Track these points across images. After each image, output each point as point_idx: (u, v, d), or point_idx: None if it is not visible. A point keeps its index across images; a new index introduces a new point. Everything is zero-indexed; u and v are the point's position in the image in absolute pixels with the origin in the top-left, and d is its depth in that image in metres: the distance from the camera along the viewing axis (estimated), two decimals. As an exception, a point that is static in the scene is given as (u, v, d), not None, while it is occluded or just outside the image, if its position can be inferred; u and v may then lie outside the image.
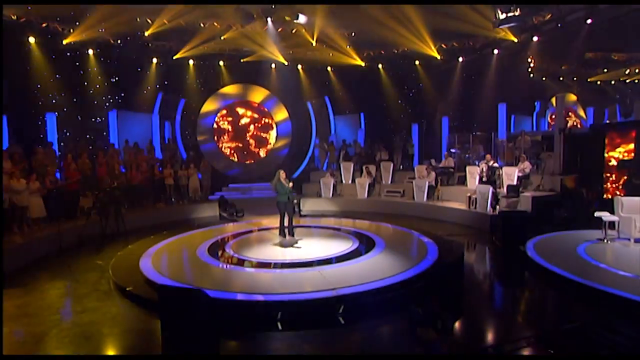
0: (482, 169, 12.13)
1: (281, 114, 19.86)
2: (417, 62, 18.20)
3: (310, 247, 8.80)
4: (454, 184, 14.34)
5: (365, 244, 8.89)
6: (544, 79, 21.67)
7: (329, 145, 18.18)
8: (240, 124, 19.38)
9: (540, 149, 13.75)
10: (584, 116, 24.27)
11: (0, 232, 8.10)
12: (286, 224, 9.61)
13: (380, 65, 18.94)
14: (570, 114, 23.94)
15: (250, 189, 17.80)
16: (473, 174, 13.29)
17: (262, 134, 19.67)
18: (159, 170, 13.97)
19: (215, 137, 18.99)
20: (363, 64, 18.03)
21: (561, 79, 22.46)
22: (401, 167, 17.08)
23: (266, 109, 19.75)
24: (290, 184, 9.64)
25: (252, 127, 19.54)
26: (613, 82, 22.95)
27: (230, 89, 19.19)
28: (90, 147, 14.38)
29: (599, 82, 22.94)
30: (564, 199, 11.74)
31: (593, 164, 13.12)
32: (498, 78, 16.27)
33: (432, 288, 6.45)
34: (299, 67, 19.21)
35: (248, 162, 19.45)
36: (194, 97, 18.51)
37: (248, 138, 19.51)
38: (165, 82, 17.82)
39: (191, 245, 9.19)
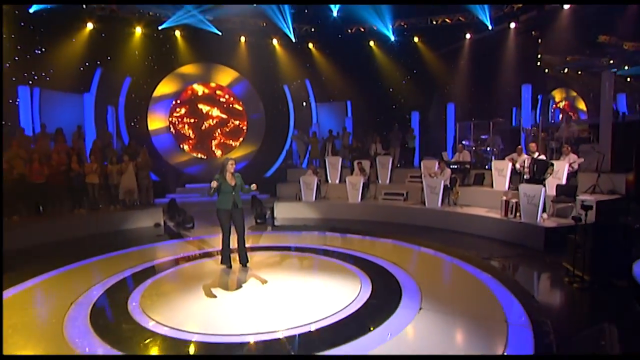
0: (524, 163, 8.58)
1: (253, 100, 15.87)
2: (416, 39, 14.62)
3: (281, 297, 4.92)
4: (470, 184, 10.75)
5: (384, 289, 5.07)
6: (546, 71, 18.79)
7: (311, 137, 14.32)
8: (203, 128, 15.30)
9: (581, 140, 10.33)
10: (584, 108, 21.71)
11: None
12: (233, 245, 5.93)
13: (372, 42, 15.23)
14: (565, 103, 21.40)
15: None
16: (502, 170, 9.71)
17: (230, 141, 15.65)
18: (80, 165, 9.69)
19: (172, 128, 14.81)
20: (352, 40, 14.35)
21: (561, 72, 19.88)
22: (399, 164, 13.44)
23: (234, 95, 15.70)
24: (254, 186, 5.87)
25: (217, 132, 15.51)
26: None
27: (190, 69, 15.10)
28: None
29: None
30: (632, 203, 8.31)
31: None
32: (516, 57, 12.90)
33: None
34: (275, 42, 15.27)
35: (212, 157, 15.34)
36: (144, 76, 14.31)
37: (213, 147, 15.48)
38: (108, 58, 13.58)
39: (67, 294, 5.05)
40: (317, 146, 14.25)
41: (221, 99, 15.62)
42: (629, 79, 19.55)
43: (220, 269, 5.94)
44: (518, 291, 5.01)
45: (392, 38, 14.67)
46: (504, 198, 8.50)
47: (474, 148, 12.23)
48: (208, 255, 6.88)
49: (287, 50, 15.47)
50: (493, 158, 11.29)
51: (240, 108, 15.78)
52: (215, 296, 4.93)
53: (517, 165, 8.63)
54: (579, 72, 20.03)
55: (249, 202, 12.70)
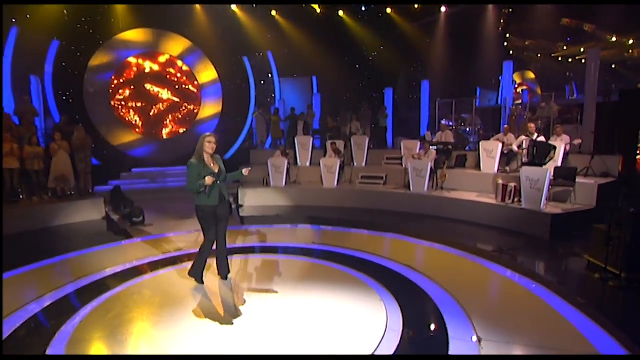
0: (522, 144, 7.73)
1: (208, 74, 13.93)
2: (388, 10, 13.38)
3: (280, 331, 3.56)
4: (453, 166, 9.89)
5: (415, 308, 3.86)
6: (511, 52, 18.52)
7: (273, 114, 12.76)
8: (152, 114, 13.15)
9: (566, 121, 9.76)
10: (539, 93, 21.87)
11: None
12: (212, 251, 4.43)
13: (341, 12, 13.80)
14: (525, 86, 21.45)
15: (163, 175, 11.88)
16: (491, 152, 8.88)
17: (183, 129, 13.63)
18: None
19: (113, 102, 12.59)
20: (319, 10, 12.82)
21: (525, 54, 19.76)
22: (371, 145, 12.31)
23: (189, 75, 13.65)
24: (246, 171, 4.46)
25: (169, 119, 13.44)
26: (570, 60, 20.81)
27: (134, 36, 12.81)
28: None
29: (560, 59, 20.60)
30: (625, 186, 7.80)
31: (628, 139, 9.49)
32: (491, 35, 12.13)
33: None
34: (233, 6, 13.36)
35: (161, 138, 13.33)
36: (77, 41, 11.89)
37: (164, 136, 13.40)
38: (27, 16, 11.03)
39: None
40: (280, 125, 12.77)
41: (173, 79, 13.48)
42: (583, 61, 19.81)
43: (190, 285, 4.42)
44: (578, 303, 4.00)
45: (363, 7, 13.34)
46: (500, 182, 7.65)
47: (453, 128, 11.38)
48: (170, 262, 5.27)
49: (247, 18, 13.64)
50: (473, 139, 10.51)
51: (195, 90, 13.76)
52: (190, 330, 3.45)
53: (514, 147, 7.79)
54: (539, 55, 19.98)
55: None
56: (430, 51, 13.49)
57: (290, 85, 14.90)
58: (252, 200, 9.71)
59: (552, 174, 7.64)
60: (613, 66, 18.93)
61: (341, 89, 14.51)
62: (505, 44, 17.26)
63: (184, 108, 13.68)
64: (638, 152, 9.22)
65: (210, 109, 14.00)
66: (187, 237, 6.53)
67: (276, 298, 4.13)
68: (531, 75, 21.57)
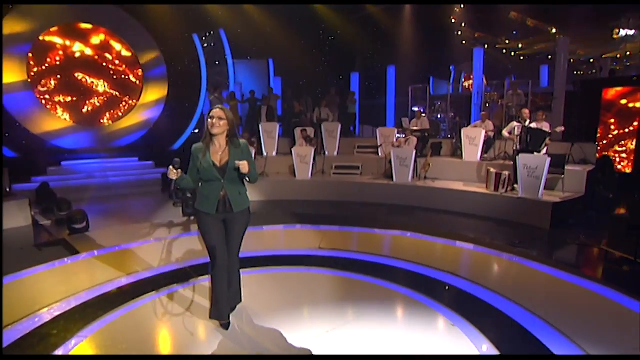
0: (514, 131, 7.31)
1: (150, 52, 12.06)
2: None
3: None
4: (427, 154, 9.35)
5: (512, 339, 2.95)
6: (463, 42, 18.72)
7: (230, 98, 11.36)
8: (86, 111, 10.99)
9: (539, 108, 9.64)
10: (485, 83, 22.56)
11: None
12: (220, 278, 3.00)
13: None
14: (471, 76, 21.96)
15: (103, 169, 9.98)
16: (474, 139, 8.44)
17: (118, 127, 11.62)
18: None
19: (32, 82, 10.32)
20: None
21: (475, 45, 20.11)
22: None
23: (128, 53, 11.67)
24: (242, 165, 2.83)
25: (106, 118, 11.37)
26: (513, 54, 21.69)
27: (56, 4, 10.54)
28: None
29: (504, 51, 21.31)
30: (600, 174, 7.80)
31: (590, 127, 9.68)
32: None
33: None
34: (180, -26, 11.62)
35: (94, 125, 11.28)
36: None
37: (102, 121, 11.32)
38: None
39: None
40: (238, 110, 11.42)
41: (110, 67, 11.38)
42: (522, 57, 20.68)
43: (191, 326, 3.12)
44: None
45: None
46: (493, 170, 7.20)
47: (427, 115, 10.88)
48: (144, 288, 3.82)
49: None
50: (446, 127, 10.10)
51: (137, 81, 11.79)
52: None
53: (505, 134, 7.36)
54: (486, 46, 20.41)
55: (159, 183, 9.56)
56: (397, 36, 12.87)
57: (245, 68, 13.50)
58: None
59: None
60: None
61: (301, 72, 13.42)
62: (459, 33, 17.34)
63: (124, 103, 11.69)
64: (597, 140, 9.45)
65: (153, 93, 12.15)
66: (156, 247, 5.14)
67: (323, 329, 3.07)
68: (476, 66, 22.15)
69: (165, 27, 11.83)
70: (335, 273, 4.24)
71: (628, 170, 9.22)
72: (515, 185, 6.95)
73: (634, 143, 9.21)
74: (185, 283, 3.95)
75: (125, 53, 11.65)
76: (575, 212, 6.71)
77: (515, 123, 7.30)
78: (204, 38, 12.48)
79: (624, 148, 9.37)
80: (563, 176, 7.04)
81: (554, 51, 9.75)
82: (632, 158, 9.23)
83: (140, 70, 11.81)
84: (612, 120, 9.37)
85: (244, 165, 2.77)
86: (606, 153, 9.16)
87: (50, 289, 3.87)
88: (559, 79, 9.36)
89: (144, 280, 4.05)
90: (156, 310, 3.42)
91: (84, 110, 10.92)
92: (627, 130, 9.25)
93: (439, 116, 10.83)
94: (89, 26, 11.07)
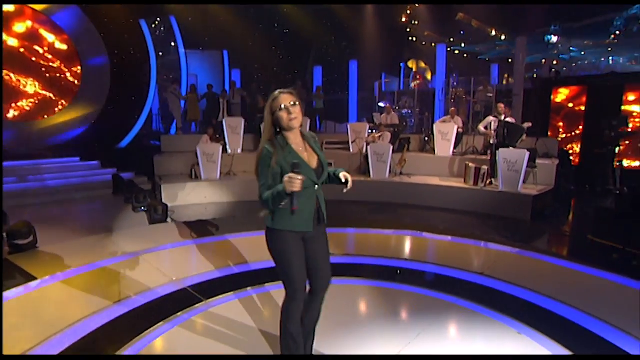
0: (490, 126, 7.35)
1: (89, 39, 10.66)
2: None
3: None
4: (395, 149, 9.22)
5: None
6: (414, 39, 19.14)
7: (189, 91, 10.40)
8: (12, 117, 9.44)
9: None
10: (430, 80, 23.33)
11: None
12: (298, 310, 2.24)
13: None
14: (418, 76, 22.60)
15: (38, 171, 8.59)
16: (447, 134, 8.43)
17: (52, 122, 10.15)
18: None
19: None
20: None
21: (423, 43, 20.63)
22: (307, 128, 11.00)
23: (63, 46, 10.19)
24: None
25: (34, 123, 9.84)
26: (457, 52, 22.62)
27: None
28: None
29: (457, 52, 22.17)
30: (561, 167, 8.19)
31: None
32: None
33: None
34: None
35: (26, 120, 9.73)
36: None
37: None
38: None
39: None
40: (197, 104, 10.50)
41: (40, 62, 9.80)
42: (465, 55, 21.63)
43: None
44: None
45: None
46: (472, 165, 7.21)
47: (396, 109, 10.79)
48: (133, 321, 3.09)
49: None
50: (412, 122, 10.09)
51: (75, 80, 10.32)
52: None
53: (482, 128, 7.40)
54: (432, 45, 21.03)
55: (110, 185, 8.44)
56: (360, 28, 12.64)
57: (198, 59, 12.50)
58: (178, 198, 7.54)
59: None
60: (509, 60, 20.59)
61: (260, 64, 12.72)
62: (408, 29, 17.65)
63: (60, 106, 10.21)
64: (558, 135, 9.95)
65: (93, 84, 10.77)
66: (134, 264, 4.30)
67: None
68: (422, 64, 22.81)
69: (107, 10, 10.52)
70: (382, 285, 3.73)
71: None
72: (493, 179, 7.04)
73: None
74: (195, 308, 3.27)
75: (60, 46, 10.18)
76: (549, 204, 6.94)
77: (491, 117, 7.36)
78: (153, 26, 11.29)
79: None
80: (536, 169, 7.23)
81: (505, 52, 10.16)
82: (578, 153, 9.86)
83: (79, 67, 10.39)
84: (561, 124, 9.87)
85: (346, 175, 2.22)
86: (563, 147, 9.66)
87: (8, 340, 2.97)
88: (518, 77, 9.73)
89: (137, 312, 3.25)
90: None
91: (10, 115, 9.28)
92: (573, 134, 9.76)
93: (405, 112, 10.80)
94: (10, 8, 9.44)
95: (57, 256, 4.48)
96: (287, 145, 2.12)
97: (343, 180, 2.25)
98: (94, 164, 9.33)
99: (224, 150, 9.04)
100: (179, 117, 10.24)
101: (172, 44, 12.02)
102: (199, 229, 5.62)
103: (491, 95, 9.60)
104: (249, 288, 3.59)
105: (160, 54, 11.94)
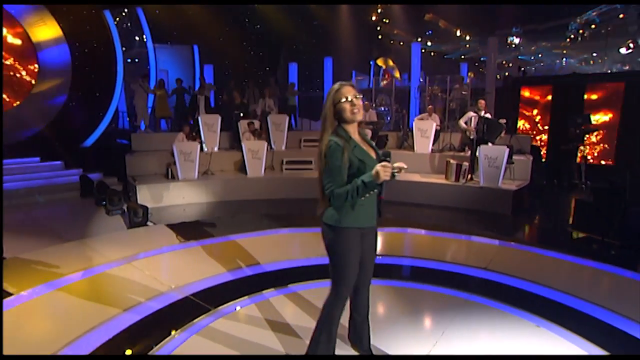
0: (471, 122, 7.48)
1: (47, 29, 9.89)
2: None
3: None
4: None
5: None
6: (379, 37, 19.33)
7: (157, 86, 9.88)
8: None
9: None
10: (398, 78, 23.67)
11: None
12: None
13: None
14: (387, 75, 22.89)
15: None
16: (426, 131, 8.52)
17: (14, 103, 9.32)
18: None
19: None
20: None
21: (392, 42, 20.88)
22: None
23: (16, 40, 9.36)
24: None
25: None
26: (423, 50, 23.09)
27: None
28: None
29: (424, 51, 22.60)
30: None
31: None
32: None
33: None
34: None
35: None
36: None
37: None
38: None
39: None
40: (166, 100, 10.00)
41: None
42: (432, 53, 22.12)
43: None
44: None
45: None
46: (453, 162, 7.33)
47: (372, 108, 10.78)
48: (135, 338, 2.81)
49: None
50: (389, 120, 10.16)
51: (31, 79, 9.47)
52: None
53: (462, 123, 7.52)
54: (401, 43, 21.33)
55: (77, 187, 7.87)
56: (335, 24, 12.53)
57: (167, 54, 11.94)
58: (154, 199, 7.13)
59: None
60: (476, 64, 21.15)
61: (230, 61, 12.35)
62: (378, 27, 17.79)
63: (14, 110, 9.38)
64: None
65: (51, 78, 10.00)
66: (124, 272, 3.94)
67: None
68: (390, 62, 23.12)
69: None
70: (424, 288, 3.60)
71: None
72: (474, 175, 7.19)
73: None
74: (210, 315, 3.04)
75: (13, 40, 9.34)
76: (526, 198, 7.20)
77: (471, 113, 7.51)
78: (118, 19, 10.62)
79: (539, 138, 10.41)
80: (513, 165, 7.46)
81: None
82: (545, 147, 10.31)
83: (35, 65, 9.59)
84: (539, 118, 10.22)
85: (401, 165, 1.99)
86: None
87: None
88: (490, 75, 10.02)
89: (132, 330, 2.96)
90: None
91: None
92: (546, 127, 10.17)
93: (381, 109, 10.84)
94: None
95: (30, 267, 4.06)
96: (351, 138, 2.04)
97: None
98: (56, 165, 8.66)
99: (200, 148, 8.70)
100: (146, 114, 9.67)
101: (137, 37, 11.38)
102: (185, 231, 5.31)
103: (466, 93, 9.83)
104: (266, 291, 3.39)
105: (124, 49, 11.26)
